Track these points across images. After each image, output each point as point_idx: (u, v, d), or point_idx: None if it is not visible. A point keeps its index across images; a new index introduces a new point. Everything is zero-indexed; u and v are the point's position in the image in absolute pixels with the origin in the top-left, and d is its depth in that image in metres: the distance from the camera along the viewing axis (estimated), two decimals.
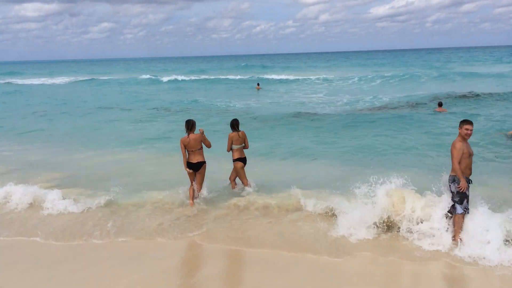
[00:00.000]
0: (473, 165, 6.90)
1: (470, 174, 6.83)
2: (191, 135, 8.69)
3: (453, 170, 6.80)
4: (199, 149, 8.73)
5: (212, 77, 53.26)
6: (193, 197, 8.79)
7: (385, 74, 43.99)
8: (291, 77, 47.54)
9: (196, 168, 8.79)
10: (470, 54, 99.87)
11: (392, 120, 17.69)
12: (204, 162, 8.83)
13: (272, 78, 47.62)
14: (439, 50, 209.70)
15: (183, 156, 8.75)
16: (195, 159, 8.74)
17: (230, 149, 9.25)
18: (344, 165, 11.38)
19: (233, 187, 9.47)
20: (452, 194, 6.80)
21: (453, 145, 6.80)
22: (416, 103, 23.63)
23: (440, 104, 20.26)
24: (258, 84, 39.03)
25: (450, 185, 6.85)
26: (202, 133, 8.81)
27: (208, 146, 8.80)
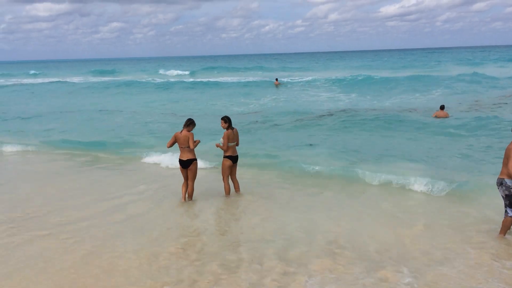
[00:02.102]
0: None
1: None
2: (183, 132, 8.88)
3: (502, 173, 6.67)
4: (188, 147, 8.85)
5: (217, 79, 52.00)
6: (185, 193, 9.19)
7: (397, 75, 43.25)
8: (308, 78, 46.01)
9: (185, 165, 8.97)
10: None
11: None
12: (193, 160, 8.97)
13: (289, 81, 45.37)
14: (450, 49, 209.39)
15: (169, 142, 9.04)
16: (185, 157, 8.94)
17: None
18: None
19: (227, 193, 9.42)
20: (503, 198, 6.75)
21: (510, 149, 6.58)
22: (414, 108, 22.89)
23: (442, 107, 18.77)
24: (277, 80, 38.15)
25: (498, 188, 6.78)
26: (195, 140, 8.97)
27: (191, 146, 8.85)
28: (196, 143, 8.91)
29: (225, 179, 9.40)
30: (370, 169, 10.52)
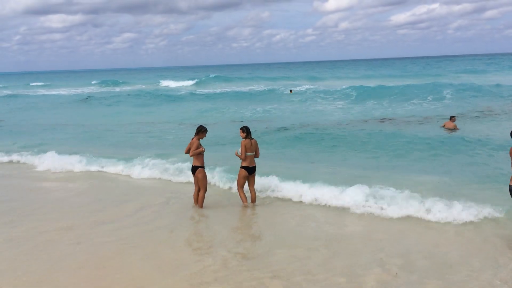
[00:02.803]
0: None
1: None
2: (193, 139, 9.13)
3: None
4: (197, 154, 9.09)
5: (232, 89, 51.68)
6: (196, 199, 9.40)
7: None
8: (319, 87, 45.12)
9: (192, 171, 9.26)
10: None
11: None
12: (198, 167, 9.10)
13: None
14: (462, 57, 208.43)
15: (186, 148, 9.27)
16: (193, 163, 9.20)
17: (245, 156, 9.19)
18: None
19: (244, 201, 9.46)
20: None
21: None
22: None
23: (452, 119, 18.26)
24: (291, 90, 39.24)
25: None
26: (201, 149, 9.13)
27: (186, 152, 9.16)
28: (196, 151, 8.98)
29: (239, 189, 9.45)
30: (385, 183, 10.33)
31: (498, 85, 35.37)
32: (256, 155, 9.36)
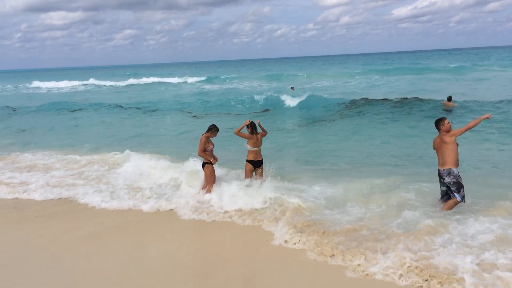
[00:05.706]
0: None
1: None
2: (202, 136, 9.33)
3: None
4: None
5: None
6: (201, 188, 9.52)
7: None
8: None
9: (202, 167, 9.50)
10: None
11: None
12: (205, 163, 9.31)
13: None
14: (464, 49, 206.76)
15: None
16: (204, 159, 9.42)
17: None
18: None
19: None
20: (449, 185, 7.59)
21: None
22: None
23: (449, 99, 20.61)
24: (293, 87, 39.01)
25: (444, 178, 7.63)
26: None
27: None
28: (201, 153, 9.21)
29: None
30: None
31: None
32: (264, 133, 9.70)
